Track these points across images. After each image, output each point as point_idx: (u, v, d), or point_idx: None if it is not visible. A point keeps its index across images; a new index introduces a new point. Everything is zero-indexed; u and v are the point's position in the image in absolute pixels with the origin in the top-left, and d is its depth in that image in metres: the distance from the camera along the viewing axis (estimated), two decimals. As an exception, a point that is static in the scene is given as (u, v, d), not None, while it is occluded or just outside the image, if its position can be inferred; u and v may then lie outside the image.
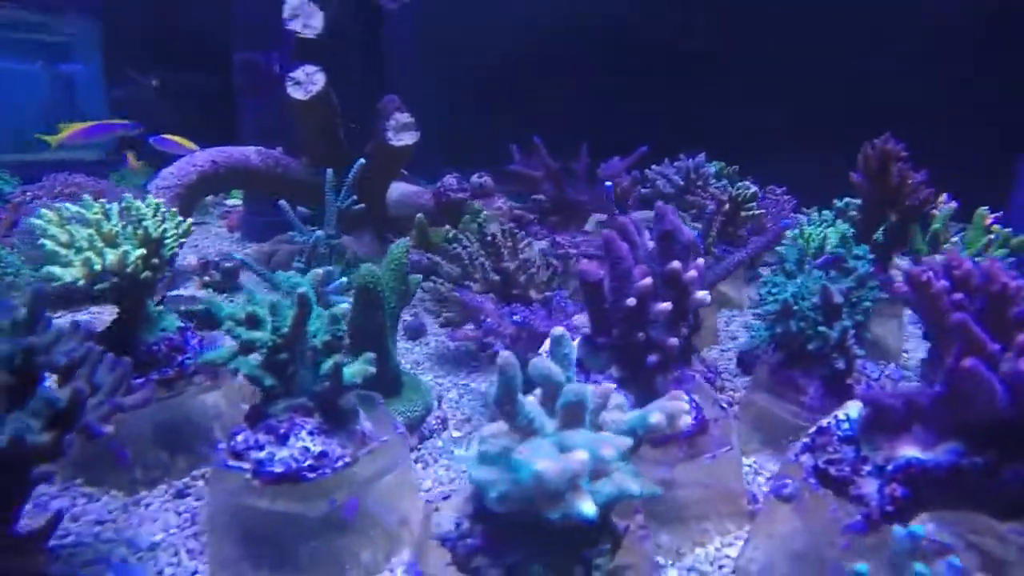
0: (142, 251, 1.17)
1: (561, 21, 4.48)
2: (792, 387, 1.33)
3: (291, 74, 2.69)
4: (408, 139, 2.74)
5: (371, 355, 1.03)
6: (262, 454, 0.97)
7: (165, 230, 1.23)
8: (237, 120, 3.22)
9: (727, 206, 2.36)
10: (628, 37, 4.54)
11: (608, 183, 1.63)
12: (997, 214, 2.17)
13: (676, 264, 1.04)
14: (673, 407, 0.75)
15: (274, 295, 1.25)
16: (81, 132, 3.03)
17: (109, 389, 0.90)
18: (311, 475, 0.95)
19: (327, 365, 0.98)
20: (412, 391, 1.43)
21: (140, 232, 1.20)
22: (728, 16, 4.44)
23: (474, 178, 3.08)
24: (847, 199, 2.47)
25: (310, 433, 0.99)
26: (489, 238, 1.75)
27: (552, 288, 1.86)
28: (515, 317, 1.47)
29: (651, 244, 1.13)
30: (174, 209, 1.32)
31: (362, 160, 1.82)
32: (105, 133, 3.18)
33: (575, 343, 1.20)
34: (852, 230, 2.00)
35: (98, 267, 1.12)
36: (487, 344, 1.45)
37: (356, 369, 0.99)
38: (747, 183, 2.40)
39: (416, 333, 2.03)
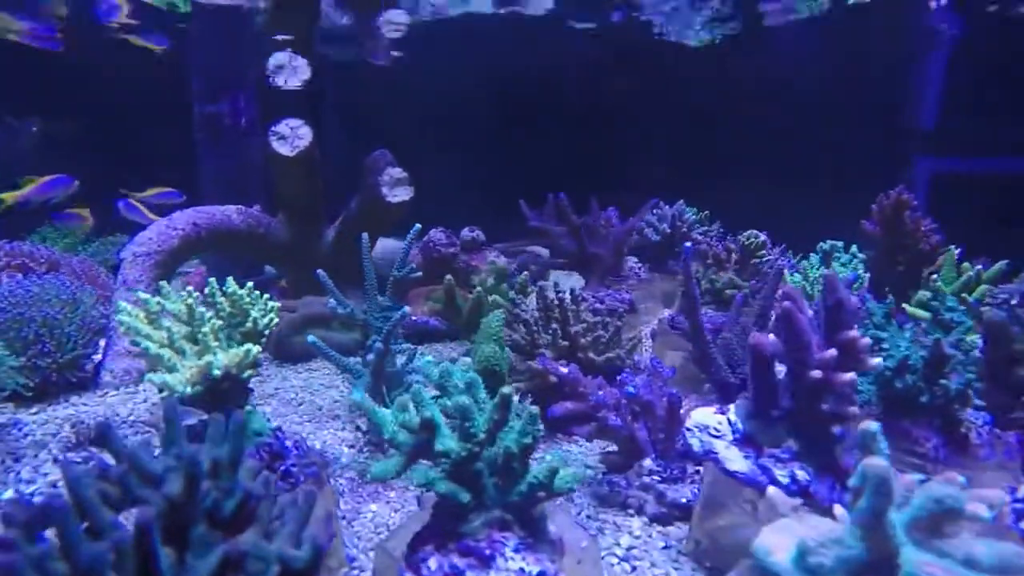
0: (249, 348, 1.01)
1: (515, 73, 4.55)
2: (907, 439, 1.35)
3: (275, 128, 2.52)
4: (403, 195, 2.63)
5: (559, 452, 0.93)
6: (466, 582, 0.84)
7: (270, 320, 1.08)
8: (197, 174, 2.96)
9: (735, 255, 2.43)
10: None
11: (688, 243, 1.62)
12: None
13: (854, 333, 1.03)
14: (991, 496, 0.72)
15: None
16: (44, 186, 2.71)
17: (299, 524, 0.75)
18: None
19: (541, 472, 0.87)
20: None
21: (248, 325, 1.04)
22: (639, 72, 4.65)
23: (464, 232, 3.00)
24: (836, 243, 2.64)
25: (515, 551, 0.87)
26: (555, 301, 1.68)
27: (611, 349, 1.81)
28: (628, 388, 1.40)
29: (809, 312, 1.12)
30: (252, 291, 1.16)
31: (418, 226, 1.70)
32: (64, 187, 2.84)
33: (729, 416, 1.16)
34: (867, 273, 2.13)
35: (218, 372, 0.95)
36: (599, 419, 1.37)
37: (571, 474, 0.89)
38: (755, 232, 2.50)
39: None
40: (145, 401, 1.89)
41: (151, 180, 3.29)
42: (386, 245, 3.00)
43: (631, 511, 1.40)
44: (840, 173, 4.10)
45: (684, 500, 1.36)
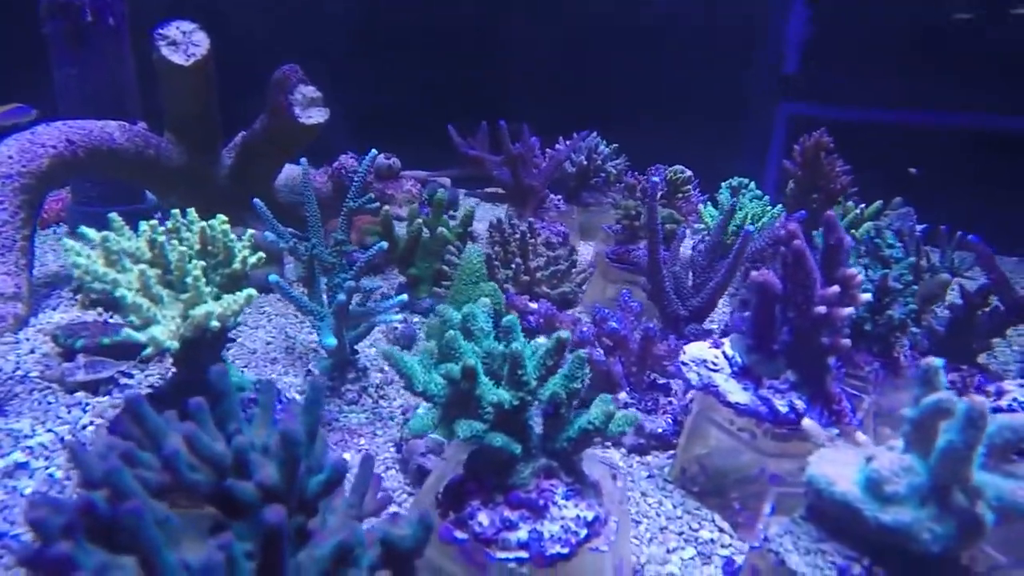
0: (251, 293, 0.87)
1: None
2: (850, 363, 1.48)
3: (162, 31, 2.15)
4: (318, 116, 2.38)
5: (608, 396, 0.90)
6: (522, 534, 0.81)
7: (258, 259, 0.93)
8: (55, 84, 2.46)
9: (662, 190, 2.48)
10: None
11: (655, 178, 1.61)
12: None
13: (852, 271, 1.09)
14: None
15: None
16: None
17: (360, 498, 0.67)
18: (604, 548, 0.82)
19: (597, 417, 0.83)
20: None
21: (236, 266, 0.89)
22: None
23: (380, 159, 2.80)
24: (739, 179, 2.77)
25: (565, 497, 0.85)
26: (517, 236, 1.62)
27: (563, 283, 1.80)
28: (611, 323, 1.39)
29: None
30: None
31: (375, 151, 1.52)
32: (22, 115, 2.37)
33: (725, 350, 1.20)
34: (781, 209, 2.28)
35: (217, 324, 0.80)
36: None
37: (624, 416, 0.86)
38: (680, 167, 2.55)
39: (410, 341, 1.82)
40: (32, 352, 1.61)
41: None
42: (290, 172, 2.73)
43: (608, 444, 1.43)
44: (711, 112, 4.33)
45: (660, 430, 1.41)
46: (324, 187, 2.74)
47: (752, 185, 2.80)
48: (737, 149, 4.65)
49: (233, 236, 0.92)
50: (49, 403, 1.38)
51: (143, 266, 0.80)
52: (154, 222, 0.89)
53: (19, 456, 1.17)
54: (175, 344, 0.75)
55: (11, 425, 1.27)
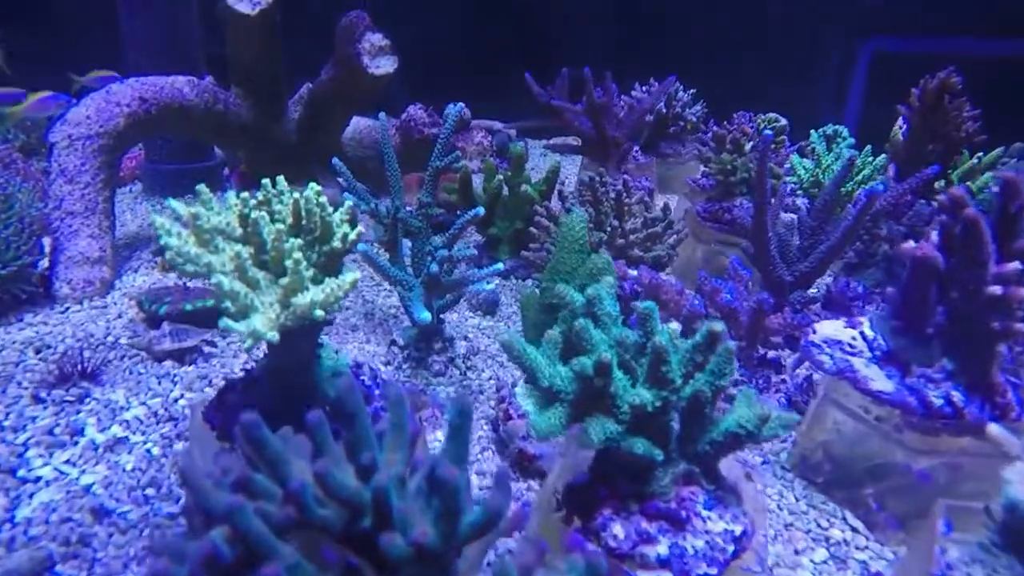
0: (355, 277, 0.78)
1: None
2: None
3: (227, -22, 2.05)
4: (387, 66, 2.26)
5: (752, 391, 0.79)
6: (662, 549, 0.72)
7: (358, 235, 0.84)
8: (123, 37, 2.41)
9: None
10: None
11: (768, 131, 1.44)
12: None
13: (1031, 243, 0.92)
14: None
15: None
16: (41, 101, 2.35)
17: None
18: (757, 569, 0.72)
19: (749, 419, 0.73)
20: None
21: (336, 244, 0.80)
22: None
23: (451, 107, 2.66)
24: (839, 127, 2.53)
25: (707, 507, 0.75)
26: (612, 195, 1.50)
27: (657, 245, 1.66)
28: (724, 295, 1.27)
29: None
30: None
31: (460, 104, 1.41)
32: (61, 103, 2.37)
33: (863, 330, 1.06)
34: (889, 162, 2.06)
35: (321, 313, 0.72)
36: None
37: (779, 418, 0.75)
38: (775, 115, 2.34)
39: (492, 307, 1.74)
40: (120, 317, 1.60)
41: (70, 49, 2.71)
42: (356, 125, 2.64)
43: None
44: (787, 52, 3.96)
45: (774, 411, 1.29)
46: (392, 141, 2.64)
47: (845, 132, 2.56)
48: (814, 91, 4.27)
49: (330, 209, 0.83)
50: (140, 373, 1.36)
51: (238, 247, 0.72)
52: (245, 195, 0.81)
53: (118, 430, 1.16)
54: (276, 336, 0.68)
55: (108, 396, 1.26)
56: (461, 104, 1.41)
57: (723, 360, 0.74)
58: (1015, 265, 0.90)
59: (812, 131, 2.47)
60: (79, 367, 1.26)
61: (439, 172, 1.40)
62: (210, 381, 1.35)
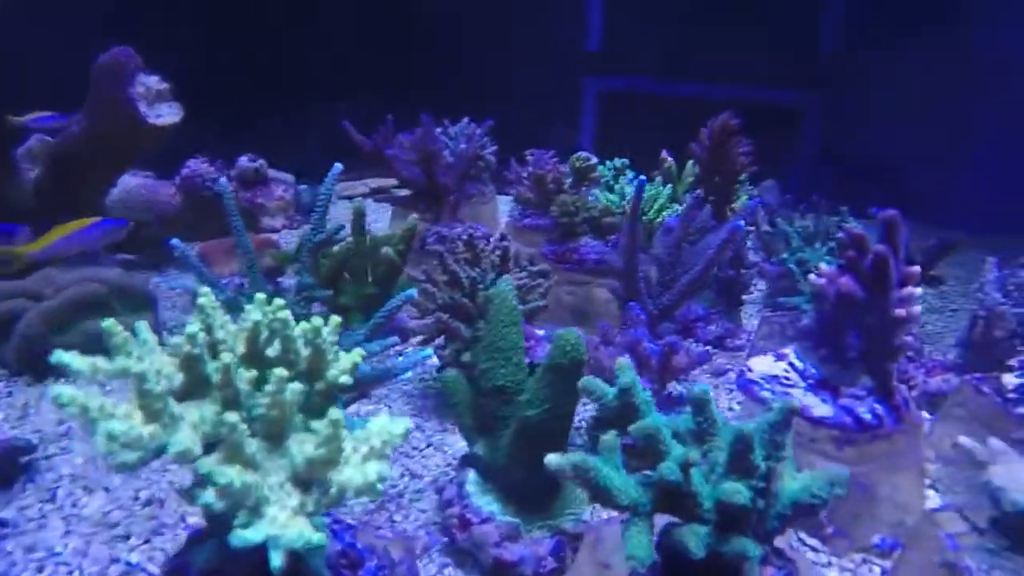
0: (407, 423, 0.58)
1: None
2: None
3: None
4: (171, 115, 1.89)
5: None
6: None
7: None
8: None
9: (571, 178, 2.41)
10: None
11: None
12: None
13: (915, 267, 1.08)
14: None
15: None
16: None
17: None
18: None
19: (819, 488, 0.70)
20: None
21: (326, 384, 0.59)
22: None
23: (243, 160, 2.31)
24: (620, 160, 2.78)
25: (787, 587, 0.72)
26: (499, 252, 1.42)
27: (535, 297, 1.63)
28: (646, 344, 1.25)
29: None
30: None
31: (339, 166, 1.17)
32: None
33: (792, 361, 1.14)
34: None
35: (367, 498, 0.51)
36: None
37: (839, 476, 0.74)
38: (584, 153, 2.47)
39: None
40: None
41: None
42: (126, 184, 2.16)
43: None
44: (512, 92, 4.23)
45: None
46: (173, 200, 2.20)
47: (627, 163, 2.81)
48: (552, 126, 4.63)
49: (323, 327, 0.60)
50: None
51: (210, 410, 0.48)
52: (192, 329, 0.54)
53: None
54: (322, 539, 0.46)
55: None
56: (338, 165, 1.20)
57: (781, 427, 0.71)
58: (910, 289, 1.05)
59: (601, 166, 2.68)
60: None
61: (319, 248, 1.18)
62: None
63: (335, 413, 0.49)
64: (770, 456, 0.69)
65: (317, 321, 0.58)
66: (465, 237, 1.44)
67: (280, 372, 0.51)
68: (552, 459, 0.69)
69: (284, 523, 0.47)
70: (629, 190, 2.50)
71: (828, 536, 1.13)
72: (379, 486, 0.50)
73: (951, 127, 3.94)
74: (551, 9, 4.48)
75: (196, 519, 1.07)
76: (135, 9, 2.96)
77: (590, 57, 4.70)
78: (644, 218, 2.32)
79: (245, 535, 0.45)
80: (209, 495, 0.48)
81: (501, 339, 1.06)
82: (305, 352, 0.58)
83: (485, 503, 1.03)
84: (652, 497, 0.67)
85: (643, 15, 4.51)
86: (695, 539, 0.64)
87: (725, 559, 0.68)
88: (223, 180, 1.19)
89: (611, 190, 2.63)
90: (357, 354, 0.60)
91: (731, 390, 1.70)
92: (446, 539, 1.06)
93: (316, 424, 0.52)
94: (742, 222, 1.51)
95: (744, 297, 2.02)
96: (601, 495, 0.66)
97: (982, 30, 3.79)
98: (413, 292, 1.10)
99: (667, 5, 4.47)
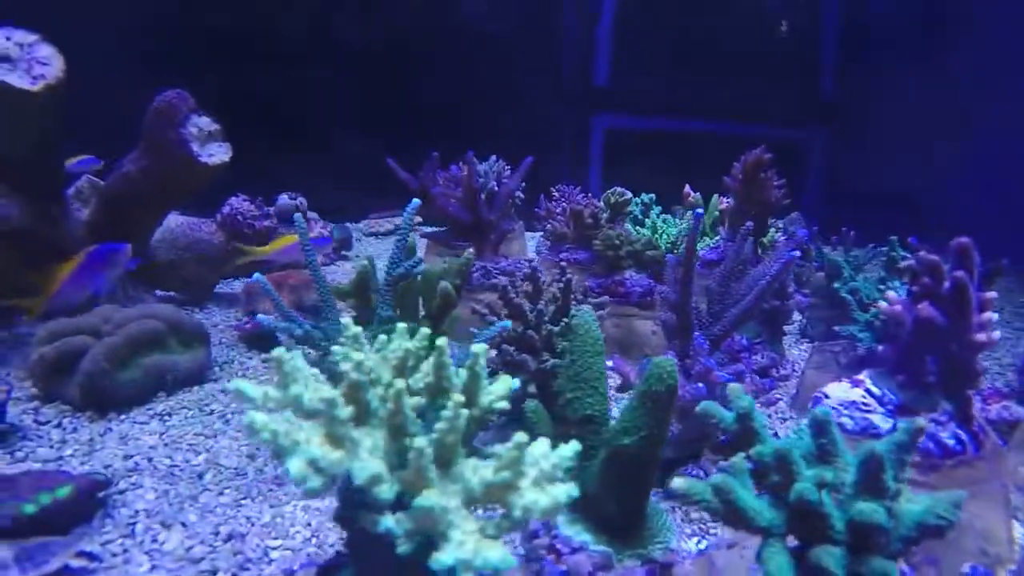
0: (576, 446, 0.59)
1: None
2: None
3: (-6, 46, 1.56)
4: (221, 154, 1.94)
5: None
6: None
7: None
8: None
9: (607, 213, 2.44)
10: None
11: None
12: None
13: (991, 294, 1.10)
14: None
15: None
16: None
17: None
18: None
19: (946, 511, 0.71)
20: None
21: (480, 411, 0.60)
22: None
23: (283, 199, 2.36)
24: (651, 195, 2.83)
25: (917, 612, 0.72)
26: (561, 287, 1.44)
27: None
28: (718, 373, 1.26)
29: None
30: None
31: (417, 201, 1.20)
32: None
33: (868, 387, 1.15)
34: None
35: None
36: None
37: (961, 502, 0.74)
38: (619, 188, 2.52)
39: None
40: None
41: None
42: (170, 223, 2.19)
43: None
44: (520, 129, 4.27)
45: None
46: (215, 237, 2.23)
47: (653, 198, 2.86)
48: (560, 161, 4.68)
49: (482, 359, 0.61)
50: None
51: (420, 443, 0.48)
52: (359, 357, 0.55)
53: None
54: (514, 561, 0.47)
55: None
56: (416, 200, 1.23)
57: (906, 446, 0.72)
58: (988, 315, 1.07)
59: (633, 201, 2.72)
60: None
61: (398, 281, 1.20)
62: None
63: (520, 436, 0.49)
64: (897, 477, 0.70)
65: (479, 347, 0.59)
66: (527, 271, 1.46)
67: (458, 398, 0.52)
68: (679, 483, 0.70)
69: (474, 546, 0.47)
70: (661, 224, 2.55)
71: (917, 563, 1.11)
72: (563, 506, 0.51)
73: (953, 150, 4.01)
74: (562, 44, 4.58)
75: (280, 553, 1.07)
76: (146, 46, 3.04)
77: (598, 93, 4.80)
78: (676, 251, 2.37)
79: (441, 559, 0.45)
80: (390, 520, 0.49)
81: (587, 369, 1.08)
82: (462, 379, 0.59)
83: (575, 532, 1.03)
84: (787, 519, 0.67)
85: (650, 53, 4.62)
86: (833, 560, 0.65)
87: (860, 583, 0.68)
88: (298, 216, 1.22)
89: (640, 224, 2.67)
90: (508, 381, 0.61)
91: (784, 419, 1.70)
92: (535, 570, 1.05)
93: (498, 448, 0.53)
94: (797, 252, 1.53)
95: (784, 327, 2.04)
96: (735, 516, 0.66)
97: (974, 50, 3.86)
98: (507, 323, 1.11)
99: (673, 46, 4.59)
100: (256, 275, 1.16)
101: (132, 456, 1.34)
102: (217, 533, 1.11)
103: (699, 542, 1.16)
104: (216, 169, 1.90)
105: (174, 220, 2.20)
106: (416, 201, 1.22)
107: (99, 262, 1.59)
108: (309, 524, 1.14)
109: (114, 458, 1.33)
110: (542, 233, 2.78)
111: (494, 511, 0.55)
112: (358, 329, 0.61)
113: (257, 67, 3.45)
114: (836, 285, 1.65)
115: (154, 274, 2.14)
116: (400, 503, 0.51)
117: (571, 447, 0.55)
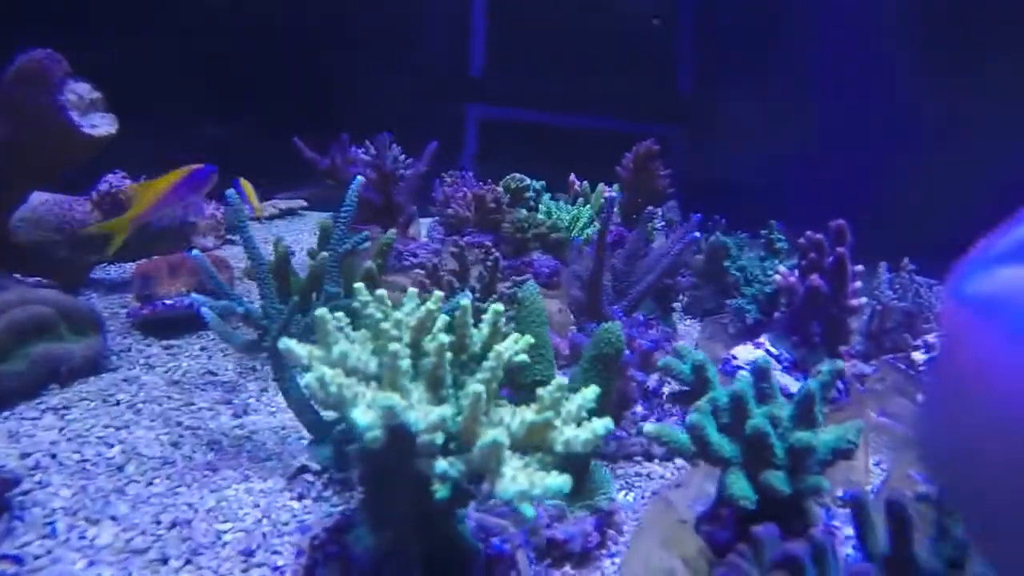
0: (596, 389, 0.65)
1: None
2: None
3: None
4: (106, 126, 1.77)
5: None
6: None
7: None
8: None
9: (507, 198, 2.53)
10: None
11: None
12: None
13: (859, 267, 1.32)
14: None
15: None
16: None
17: None
18: None
19: (851, 433, 0.87)
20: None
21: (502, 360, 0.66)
22: None
23: (358, 179, 2.17)
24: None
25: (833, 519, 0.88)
26: (492, 260, 1.50)
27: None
28: (642, 342, 1.38)
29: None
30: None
31: (362, 179, 1.18)
32: None
33: (768, 348, 1.34)
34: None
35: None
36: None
37: (857, 426, 0.90)
38: (518, 175, 2.61)
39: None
40: None
41: None
42: (33, 200, 1.95)
43: (638, 458, 1.46)
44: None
45: (680, 433, 1.49)
46: (90, 218, 2.03)
47: (543, 184, 2.98)
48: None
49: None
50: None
51: (477, 388, 0.52)
52: (397, 315, 0.57)
53: None
54: (566, 482, 0.53)
55: None
56: (360, 177, 1.22)
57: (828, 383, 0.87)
58: (857, 283, 1.29)
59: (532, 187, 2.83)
60: None
61: (344, 258, 1.19)
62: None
63: (561, 379, 0.56)
64: (821, 411, 0.85)
65: (497, 307, 0.64)
66: (455, 249, 1.51)
67: (499, 349, 0.56)
68: (650, 427, 0.80)
69: (529, 478, 0.53)
70: (555, 209, 2.69)
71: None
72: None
73: (789, 151, 4.55)
74: (436, 32, 4.59)
75: (233, 535, 1.04)
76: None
77: (472, 83, 4.86)
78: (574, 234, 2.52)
79: (501, 491, 0.51)
80: (443, 463, 0.53)
81: (535, 337, 1.15)
82: (483, 333, 0.64)
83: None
84: (743, 450, 0.79)
85: (523, 48, 4.75)
86: (779, 481, 0.78)
87: (796, 497, 0.82)
88: (231, 192, 1.17)
89: (533, 210, 2.79)
90: (527, 337, 0.67)
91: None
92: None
93: (541, 391, 0.58)
94: (698, 233, 1.71)
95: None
96: (705, 450, 0.78)
97: (804, 57, 4.38)
98: (468, 295, 1.15)
99: (545, 42, 4.76)
100: (195, 251, 1.10)
101: (30, 454, 1.21)
102: (159, 522, 1.05)
103: (626, 494, 1.29)
104: (100, 141, 1.73)
105: (38, 198, 1.97)
106: (360, 179, 1.22)
107: (200, 183, 1.44)
108: (257, 505, 1.11)
109: (7, 458, 1.20)
110: (436, 218, 2.81)
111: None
112: (383, 291, 0.64)
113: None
114: (726, 264, 1.87)
115: (10, 256, 1.90)
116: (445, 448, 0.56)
117: (592, 390, 0.62)
